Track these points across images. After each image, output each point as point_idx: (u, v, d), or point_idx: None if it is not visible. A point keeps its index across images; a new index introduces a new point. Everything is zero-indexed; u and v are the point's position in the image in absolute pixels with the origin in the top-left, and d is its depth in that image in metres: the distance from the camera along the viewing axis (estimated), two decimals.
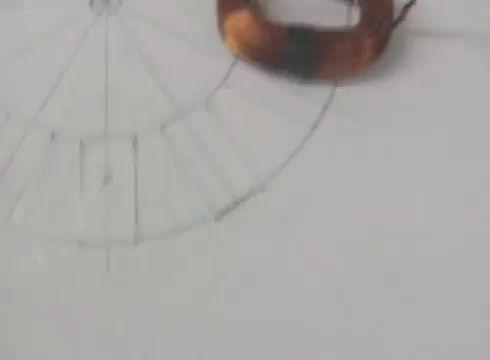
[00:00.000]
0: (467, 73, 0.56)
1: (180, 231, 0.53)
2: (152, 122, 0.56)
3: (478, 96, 0.56)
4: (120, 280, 0.51)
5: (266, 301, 0.50)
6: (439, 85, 0.57)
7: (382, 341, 0.49)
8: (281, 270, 0.51)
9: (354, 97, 0.56)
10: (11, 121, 0.56)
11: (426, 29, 0.58)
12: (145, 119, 0.56)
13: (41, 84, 0.57)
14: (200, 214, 0.53)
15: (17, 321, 0.50)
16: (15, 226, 0.53)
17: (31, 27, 0.59)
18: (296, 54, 0.55)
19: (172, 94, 0.57)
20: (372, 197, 0.53)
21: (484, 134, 0.55)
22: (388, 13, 0.55)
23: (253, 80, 0.57)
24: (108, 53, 0.58)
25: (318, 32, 0.55)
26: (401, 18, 0.55)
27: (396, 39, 0.57)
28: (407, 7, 0.54)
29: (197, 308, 0.50)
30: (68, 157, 0.55)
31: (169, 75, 0.57)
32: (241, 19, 0.56)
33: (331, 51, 0.54)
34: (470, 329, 0.50)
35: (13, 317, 0.50)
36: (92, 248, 0.53)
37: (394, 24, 0.55)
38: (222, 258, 0.52)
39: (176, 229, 0.53)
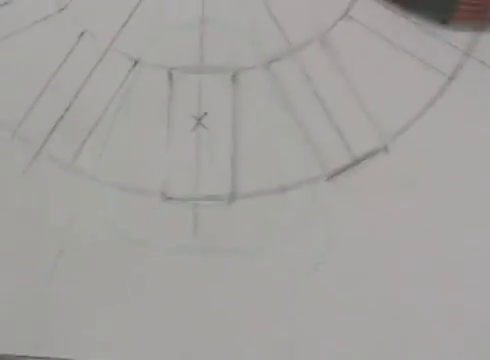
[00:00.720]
0: None
1: (284, 191, 0.45)
2: (257, 56, 0.47)
3: None
4: (209, 245, 0.44)
5: (381, 276, 0.44)
6: None
7: None
8: (399, 241, 0.44)
9: None
10: (84, 41, 0.46)
11: None
12: (249, 52, 0.47)
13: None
14: (309, 172, 0.45)
15: (80, 276, 0.44)
16: (83, 169, 0.44)
17: None
18: None
19: (282, 25, 0.48)
20: None
21: None
22: None
23: (379, 15, 0.48)
24: None
25: None
26: None
27: None
28: None
29: (300, 284, 0.44)
30: (153, 90, 0.47)
31: (280, 2, 0.48)
32: None
33: None
34: None
35: (74, 271, 0.43)
36: (177, 203, 0.45)
37: None
38: (332, 226, 0.44)
39: (279, 188, 0.45)
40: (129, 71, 0.46)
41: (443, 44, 0.47)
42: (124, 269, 0.44)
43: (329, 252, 0.44)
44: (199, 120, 0.45)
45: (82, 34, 0.47)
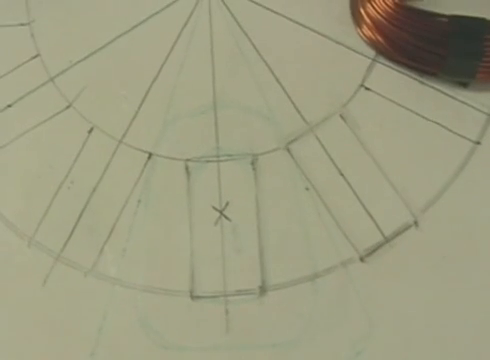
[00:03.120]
0: None
1: (316, 278, 0.43)
2: (275, 138, 0.46)
3: None
4: (242, 342, 0.42)
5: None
6: None
7: None
8: (439, 321, 0.42)
9: None
10: (94, 137, 0.44)
11: None
12: (266, 134, 0.46)
13: (130, 89, 0.47)
14: (342, 254, 0.44)
15: None
16: (106, 272, 0.42)
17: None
18: (459, 53, 0.44)
19: (298, 101, 0.46)
20: None
21: None
22: None
23: (396, 83, 0.47)
24: (214, 50, 0.47)
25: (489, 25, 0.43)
26: None
27: None
28: None
29: None
30: (170, 183, 0.45)
31: (292, 76, 0.47)
32: (385, 4, 0.45)
33: None
34: None
35: None
36: (207, 301, 0.43)
37: None
38: (370, 309, 0.43)
39: (311, 276, 0.43)
40: (144, 165, 0.44)
41: (465, 107, 0.46)
42: None
43: (369, 338, 0.42)
44: (221, 211, 0.44)
45: (91, 130, 0.45)
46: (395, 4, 0.45)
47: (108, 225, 0.44)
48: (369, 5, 0.46)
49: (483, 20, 0.44)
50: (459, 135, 0.46)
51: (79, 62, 0.48)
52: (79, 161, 0.45)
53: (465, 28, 0.44)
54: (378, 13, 0.45)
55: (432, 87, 0.46)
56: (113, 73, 0.48)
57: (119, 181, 0.45)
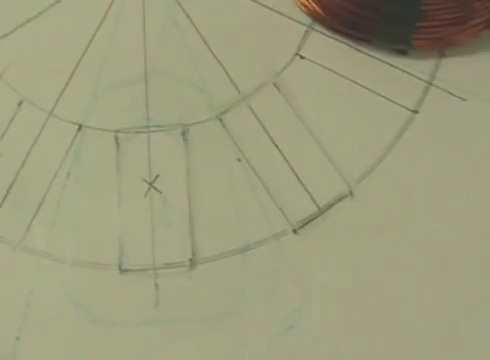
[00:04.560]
0: None
1: (247, 250, 0.43)
2: (206, 109, 0.45)
3: None
4: (173, 316, 0.42)
5: (358, 335, 0.41)
6: None
7: None
8: (374, 293, 0.42)
9: (462, 74, 0.45)
10: (24, 109, 0.45)
11: None
12: (197, 105, 0.45)
13: (60, 61, 0.46)
14: (274, 226, 0.43)
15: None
16: (35, 245, 0.43)
17: None
18: (391, 18, 0.44)
19: (231, 71, 0.46)
20: (486, 195, 0.43)
21: None
22: None
23: (332, 51, 0.46)
24: (147, 19, 0.47)
25: None
26: None
27: None
28: None
29: (273, 348, 0.41)
30: (100, 155, 0.44)
31: (226, 46, 0.46)
32: None
33: (436, 12, 0.44)
34: None
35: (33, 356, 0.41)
36: (136, 275, 0.43)
37: None
38: (303, 283, 0.42)
39: (242, 248, 0.43)
40: (74, 137, 0.44)
41: (403, 75, 0.45)
42: (86, 347, 0.42)
43: (302, 311, 0.42)
44: (151, 184, 0.43)
45: (21, 103, 0.45)
46: None
47: (37, 198, 0.44)
48: None
49: None
50: (396, 104, 0.45)
51: (8, 34, 0.47)
52: (8, 134, 0.45)
53: None
54: None
55: (368, 55, 0.46)
56: (43, 45, 0.47)
57: (49, 154, 0.45)
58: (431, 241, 0.43)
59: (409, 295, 0.42)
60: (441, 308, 0.41)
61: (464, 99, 0.45)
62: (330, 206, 0.43)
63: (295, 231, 0.43)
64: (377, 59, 0.46)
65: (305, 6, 0.46)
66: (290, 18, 0.47)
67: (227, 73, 0.46)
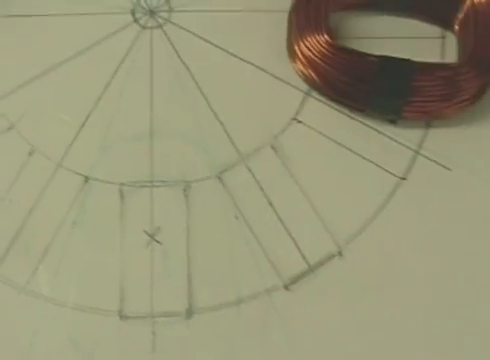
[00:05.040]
0: None
1: (241, 303, 0.45)
2: (208, 167, 0.47)
3: None
4: None
5: None
6: None
7: None
8: (359, 349, 0.44)
9: (448, 144, 0.48)
10: (34, 159, 0.46)
11: None
12: (199, 163, 0.47)
13: (71, 114, 0.49)
14: (266, 281, 0.45)
15: None
16: (39, 290, 0.44)
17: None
18: (384, 92, 0.46)
19: (232, 132, 0.48)
20: (469, 261, 0.45)
21: None
22: None
23: (328, 117, 0.48)
24: (154, 79, 0.49)
25: (416, 66, 0.45)
26: None
27: None
28: None
29: None
30: (105, 206, 0.46)
31: (228, 108, 0.49)
32: (318, 44, 0.47)
33: (426, 89, 0.46)
34: None
35: None
36: (135, 322, 0.44)
37: None
38: (291, 335, 0.44)
39: (236, 301, 0.45)
40: (81, 188, 0.46)
41: (392, 144, 0.47)
42: None
43: None
44: (152, 236, 0.45)
45: (31, 153, 0.47)
46: (327, 43, 0.47)
47: (43, 245, 0.45)
48: (302, 44, 0.47)
49: (409, 61, 0.46)
50: (385, 170, 0.47)
51: (23, 85, 0.49)
52: (18, 182, 0.47)
53: (392, 68, 0.46)
54: (311, 51, 0.47)
55: (361, 122, 0.48)
56: (55, 98, 0.49)
57: (56, 203, 0.46)
58: (414, 301, 0.44)
59: (394, 351, 0.44)
60: None
61: (449, 169, 0.47)
62: (320, 264, 0.45)
63: (286, 287, 0.45)
64: (369, 127, 0.48)
65: (303, 74, 0.48)
66: (289, 84, 0.49)
67: (228, 134, 0.48)
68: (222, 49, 0.50)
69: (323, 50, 0.47)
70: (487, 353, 0.44)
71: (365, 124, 0.48)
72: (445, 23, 0.50)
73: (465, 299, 0.45)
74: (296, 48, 0.48)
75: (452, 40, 0.51)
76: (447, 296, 0.45)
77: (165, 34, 0.50)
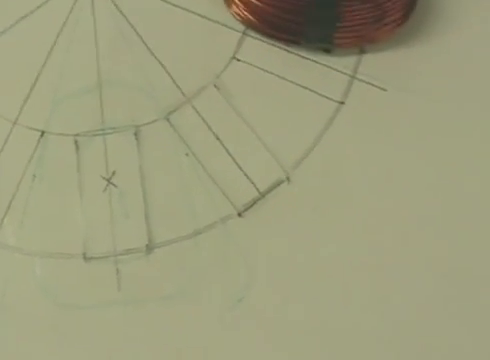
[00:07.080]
0: None
1: (198, 234, 0.47)
2: (155, 110, 0.49)
3: None
4: (133, 297, 0.46)
5: (302, 309, 0.45)
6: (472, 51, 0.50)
7: None
8: (316, 267, 0.46)
9: (381, 67, 0.50)
10: None
11: None
12: (147, 108, 0.49)
13: (20, 74, 0.50)
14: (221, 211, 0.47)
15: (13, 347, 0.44)
16: (6, 242, 0.46)
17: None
18: (314, 21, 0.48)
19: (175, 76, 0.50)
20: (408, 176, 0.48)
21: None
22: None
23: (266, 52, 0.51)
24: (98, 34, 0.51)
25: None
26: None
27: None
28: None
29: (225, 324, 0.45)
30: (61, 158, 0.48)
31: (169, 54, 0.51)
32: None
33: (353, 15, 0.48)
34: None
35: (8, 342, 0.44)
36: (99, 262, 0.46)
37: None
38: (249, 260, 0.46)
39: (193, 233, 0.47)
40: (37, 143, 0.48)
41: (329, 71, 0.49)
42: (56, 329, 0.45)
43: (249, 286, 0.46)
44: (109, 180, 0.47)
45: None
46: None
47: (6, 199, 0.47)
48: None
49: None
50: (324, 97, 0.49)
51: None
52: None
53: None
54: None
55: (298, 55, 0.50)
56: (4, 60, 0.51)
57: (15, 158, 0.48)
58: (362, 217, 0.47)
59: (344, 266, 0.46)
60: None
61: (384, 89, 0.49)
62: (270, 190, 0.48)
63: (240, 214, 0.47)
64: (306, 58, 0.50)
65: (238, 15, 0.50)
66: (226, 26, 0.51)
67: (172, 78, 0.50)
68: None
69: None
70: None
71: (301, 56, 0.50)
72: None
73: (406, 206, 0.47)
74: None
75: None
76: (391, 206, 0.47)
77: None
